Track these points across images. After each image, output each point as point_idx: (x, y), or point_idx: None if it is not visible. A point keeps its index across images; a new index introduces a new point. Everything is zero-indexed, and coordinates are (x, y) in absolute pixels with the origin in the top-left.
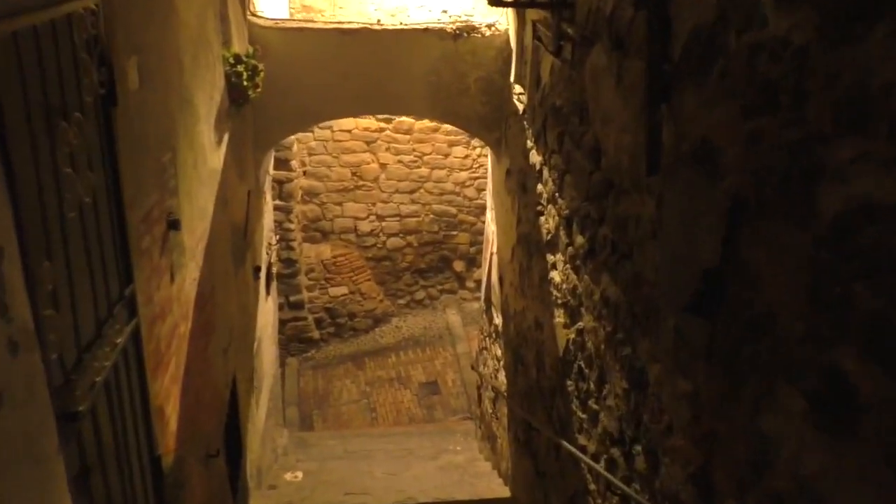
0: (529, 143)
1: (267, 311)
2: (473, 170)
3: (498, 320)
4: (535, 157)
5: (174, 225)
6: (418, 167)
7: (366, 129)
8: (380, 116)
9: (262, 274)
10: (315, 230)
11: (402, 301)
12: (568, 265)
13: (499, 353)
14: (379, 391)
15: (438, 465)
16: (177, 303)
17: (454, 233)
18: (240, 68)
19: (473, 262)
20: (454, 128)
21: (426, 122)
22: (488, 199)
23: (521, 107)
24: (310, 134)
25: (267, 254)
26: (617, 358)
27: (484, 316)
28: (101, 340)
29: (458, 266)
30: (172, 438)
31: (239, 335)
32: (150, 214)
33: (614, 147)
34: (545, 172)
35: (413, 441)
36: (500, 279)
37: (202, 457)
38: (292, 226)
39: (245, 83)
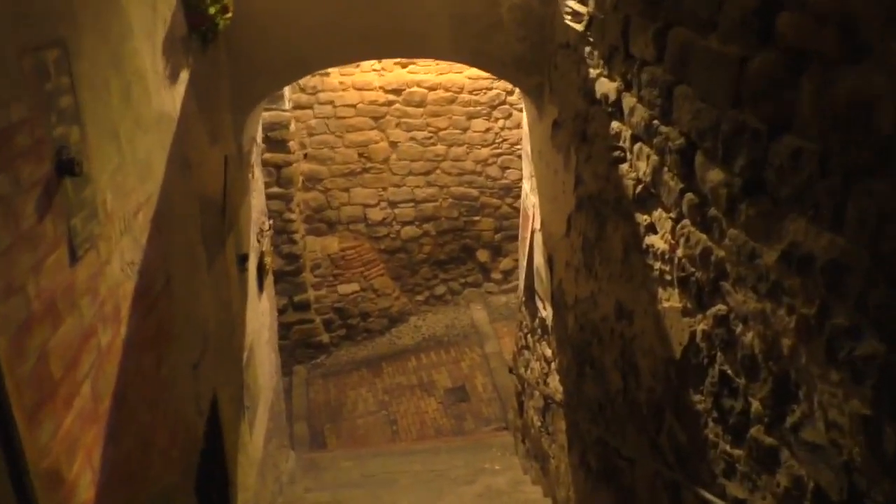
0: (594, 72)
1: (261, 311)
2: (496, 145)
3: (545, 312)
4: (607, 86)
5: (69, 168)
6: (433, 144)
7: (372, 102)
8: (388, 87)
9: (252, 265)
10: (319, 221)
11: (420, 297)
12: (686, 220)
13: (548, 352)
14: (399, 400)
15: (477, 492)
16: (88, 297)
17: (476, 218)
18: None
19: (499, 250)
20: (472, 98)
21: (441, 93)
22: (525, 165)
23: (577, 28)
24: (309, 111)
25: (258, 241)
26: (832, 360)
27: (523, 309)
28: None
29: (483, 256)
30: None
31: (219, 344)
32: (11, 140)
33: None
34: (627, 100)
35: (442, 459)
36: (549, 261)
37: None
38: (293, 216)
39: (207, 3)
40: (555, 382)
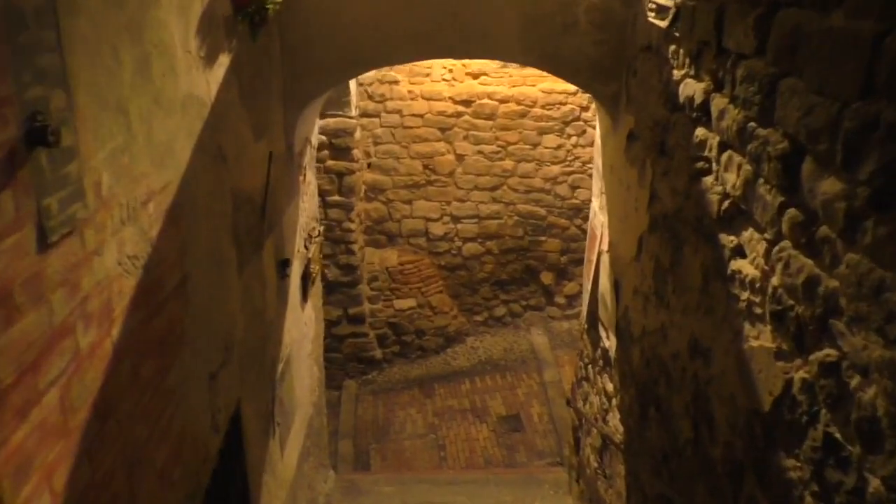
0: (678, 74)
1: (303, 321)
2: (567, 163)
3: (609, 343)
4: (693, 88)
5: (41, 137)
6: (501, 159)
7: (441, 113)
8: (457, 98)
9: (295, 272)
10: (380, 232)
11: (478, 317)
12: (786, 242)
13: (609, 387)
14: (449, 424)
15: None
16: (63, 290)
17: (542, 238)
18: None
19: (564, 273)
20: (545, 113)
21: (512, 106)
22: (595, 181)
23: (661, 25)
24: (375, 119)
25: (305, 247)
26: None
27: (585, 336)
28: None
29: (547, 278)
30: None
31: (247, 353)
32: None
33: None
34: (717, 102)
35: (490, 492)
36: (615, 286)
37: None
38: (353, 226)
39: None
40: (615, 421)
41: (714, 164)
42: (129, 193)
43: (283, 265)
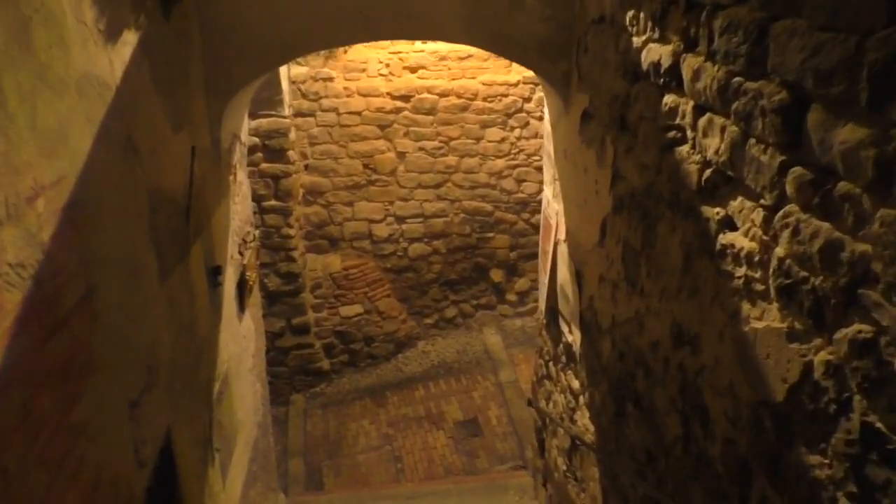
0: (638, 41)
1: (242, 335)
2: (512, 156)
3: (572, 337)
4: (658, 52)
5: None
6: (444, 155)
7: (379, 109)
8: (396, 93)
9: (229, 280)
10: (321, 237)
11: (429, 320)
12: (792, 206)
13: (575, 384)
14: (405, 434)
15: None
16: None
17: (490, 235)
18: None
19: (514, 269)
20: (487, 105)
21: (453, 99)
22: (546, 169)
23: None
24: (311, 118)
25: (240, 253)
26: None
27: (544, 333)
28: None
29: (497, 275)
30: None
31: (176, 374)
32: None
33: None
34: (689, 62)
35: (453, 503)
36: (576, 276)
37: None
38: (292, 232)
39: None
40: (584, 420)
41: (689, 132)
42: (8, 187)
43: (215, 273)
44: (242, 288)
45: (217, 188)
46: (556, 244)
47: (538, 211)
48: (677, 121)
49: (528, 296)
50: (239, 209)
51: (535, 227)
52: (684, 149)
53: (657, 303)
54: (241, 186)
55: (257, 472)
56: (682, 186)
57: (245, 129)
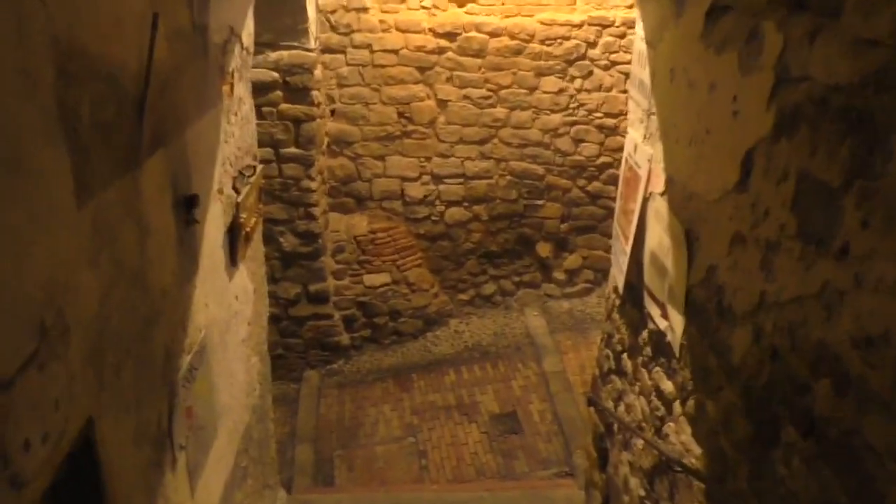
0: None
1: (233, 294)
2: (570, 111)
3: (667, 322)
4: None
5: None
6: (492, 106)
7: (419, 48)
8: (439, 30)
9: (213, 220)
10: (346, 194)
11: (464, 296)
12: None
13: (668, 386)
14: (431, 425)
15: None
16: None
17: (539, 202)
18: None
19: (565, 243)
20: (544, 49)
21: (504, 41)
22: (634, 104)
23: None
24: (340, 56)
25: (235, 189)
26: None
27: (616, 315)
28: None
29: (544, 249)
30: None
31: (109, 339)
32: None
33: None
34: None
35: None
36: (686, 237)
37: None
38: (314, 185)
39: None
40: (684, 436)
41: None
42: None
43: (188, 204)
44: (235, 234)
45: (200, 92)
46: (645, 200)
47: (596, 177)
48: None
49: (579, 275)
50: (236, 132)
51: (593, 196)
52: None
53: (880, 271)
54: (243, 105)
55: (248, 466)
56: None
57: (249, 30)
